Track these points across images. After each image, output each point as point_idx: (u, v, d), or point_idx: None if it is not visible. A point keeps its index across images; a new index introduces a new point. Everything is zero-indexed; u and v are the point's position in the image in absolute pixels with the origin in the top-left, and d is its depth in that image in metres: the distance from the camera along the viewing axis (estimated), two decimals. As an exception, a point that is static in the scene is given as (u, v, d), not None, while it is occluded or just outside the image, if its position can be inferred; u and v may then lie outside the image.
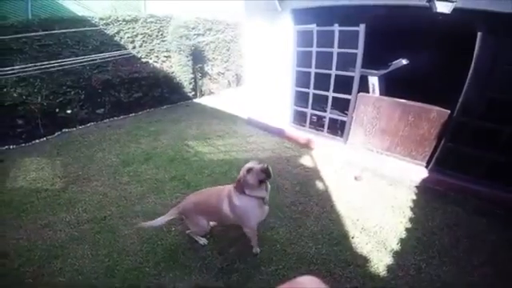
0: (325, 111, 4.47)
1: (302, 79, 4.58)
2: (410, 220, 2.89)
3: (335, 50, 3.91)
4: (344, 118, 4.31)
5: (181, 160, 4.28)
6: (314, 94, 4.48)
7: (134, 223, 2.86)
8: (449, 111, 3.30)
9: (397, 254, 2.47)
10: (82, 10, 7.68)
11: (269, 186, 2.23)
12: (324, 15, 3.87)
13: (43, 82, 5.11)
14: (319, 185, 3.58)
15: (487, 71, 2.90)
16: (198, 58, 7.71)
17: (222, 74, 8.83)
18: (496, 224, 2.80)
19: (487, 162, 3.14)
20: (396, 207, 3.10)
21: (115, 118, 6.28)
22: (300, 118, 4.96)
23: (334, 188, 3.48)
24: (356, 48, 3.70)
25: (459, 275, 2.26)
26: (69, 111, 5.59)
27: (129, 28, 6.38)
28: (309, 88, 4.48)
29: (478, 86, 3.00)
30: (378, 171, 3.77)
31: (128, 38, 6.42)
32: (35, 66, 4.76)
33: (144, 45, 6.72)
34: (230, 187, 2.27)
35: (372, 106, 3.93)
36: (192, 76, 7.63)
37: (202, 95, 8.22)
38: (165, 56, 7.19)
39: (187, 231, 2.60)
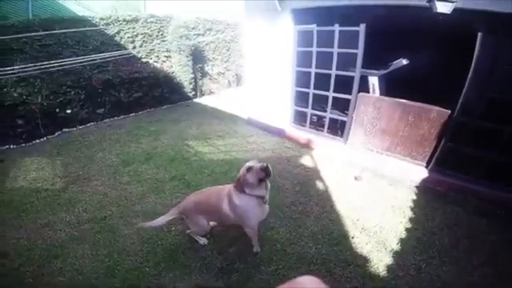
0: (325, 111, 4.46)
1: (302, 79, 4.58)
2: (410, 220, 2.89)
3: (335, 50, 3.91)
4: (344, 118, 4.31)
5: (181, 160, 4.28)
6: (314, 94, 4.48)
7: (134, 223, 2.86)
8: (449, 111, 3.30)
9: (397, 254, 2.47)
10: (83, 10, 7.69)
11: (269, 184, 2.22)
12: (324, 15, 3.87)
13: (43, 82, 5.12)
14: (319, 185, 3.58)
15: (487, 71, 2.90)
16: (198, 57, 7.72)
17: (222, 73, 8.83)
18: (496, 224, 2.80)
19: (487, 162, 3.14)
20: (396, 207, 3.10)
21: (115, 118, 6.29)
22: (300, 118, 4.96)
23: (334, 188, 3.48)
24: (356, 48, 3.70)
25: (459, 275, 2.26)
26: (69, 111, 5.60)
27: (129, 28, 6.39)
28: (309, 88, 4.48)
29: (478, 86, 3.00)
30: (378, 171, 3.77)
31: (128, 37, 6.42)
32: (35, 65, 4.76)
33: (144, 45, 6.72)
34: (230, 187, 2.27)
35: (372, 106, 3.93)
36: (192, 76, 7.63)
37: (203, 95, 8.22)
38: (165, 56, 7.19)
39: (187, 231, 2.61)
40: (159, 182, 3.67)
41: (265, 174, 2.04)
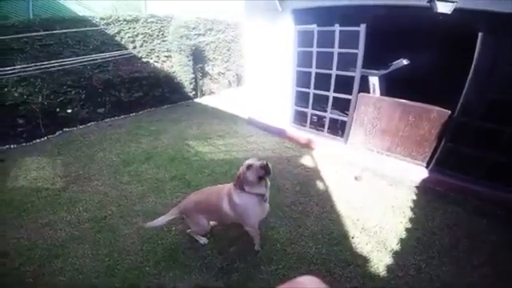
0: (325, 111, 4.46)
1: (303, 79, 4.58)
2: (410, 220, 2.89)
3: (336, 50, 3.91)
4: (344, 118, 4.31)
5: (181, 159, 4.28)
6: (315, 94, 4.48)
7: (135, 223, 2.87)
8: (449, 111, 3.29)
9: (397, 254, 2.47)
10: (83, 10, 7.69)
11: (268, 182, 2.22)
12: (325, 15, 3.87)
13: (44, 82, 5.13)
14: (319, 185, 3.58)
15: (488, 71, 2.90)
16: (198, 57, 7.72)
17: (223, 73, 8.84)
18: (496, 224, 2.80)
19: (487, 163, 3.14)
20: (396, 207, 3.10)
21: (116, 118, 6.30)
22: (300, 118, 4.96)
23: (334, 188, 3.48)
24: (356, 48, 3.70)
25: (459, 275, 2.26)
26: (69, 111, 5.61)
27: (129, 28, 6.40)
28: (309, 88, 4.48)
29: (478, 87, 2.99)
30: (379, 171, 3.77)
31: (129, 37, 6.43)
32: (36, 65, 4.77)
33: (145, 45, 6.73)
34: (230, 186, 2.27)
35: (372, 106, 3.93)
36: (192, 76, 7.64)
37: (203, 95, 8.23)
38: (165, 56, 7.20)
39: (187, 230, 2.61)
40: (159, 181, 3.68)
41: (264, 171, 2.04)
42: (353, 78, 3.90)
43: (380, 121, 3.92)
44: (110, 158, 4.37)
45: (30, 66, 4.71)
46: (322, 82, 4.27)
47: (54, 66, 4.96)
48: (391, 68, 4.17)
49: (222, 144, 4.88)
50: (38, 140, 5.11)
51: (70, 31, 5.39)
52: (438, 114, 3.41)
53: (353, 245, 2.60)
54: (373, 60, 4.04)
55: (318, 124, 4.82)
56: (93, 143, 4.93)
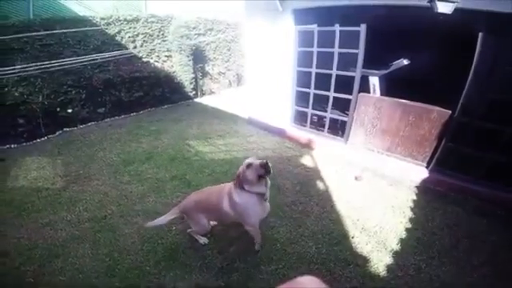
0: (325, 111, 4.46)
1: (303, 79, 4.58)
2: (410, 220, 2.89)
3: (336, 50, 3.91)
4: (345, 118, 4.31)
5: (182, 159, 4.28)
6: (315, 94, 4.48)
7: (135, 222, 2.87)
8: (449, 111, 3.29)
9: (397, 254, 2.47)
10: (84, 10, 7.69)
11: (268, 182, 2.21)
12: (325, 15, 3.87)
13: (44, 82, 5.13)
14: (320, 185, 3.58)
15: (488, 72, 2.90)
16: (198, 57, 7.72)
17: (223, 73, 8.83)
18: (496, 224, 2.80)
19: (488, 163, 3.14)
20: (396, 207, 3.10)
21: (116, 118, 6.30)
22: (301, 118, 4.97)
23: (334, 188, 3.48)
24: (357, 48, 3.70)
25: (459, 275, 2.26)
26: (70, 110, 5.61)
27: (130, 28, 6.40)
28: (310, 88, 4.48)
29: (478, 87, 2.99)
30: (379, 171, 3.77)
31: (129, 37, 6.43)
32: (36, 65, 4.78)
33: (145, 44, 6.73)
34: (230, 185, 2.26)
35: (373, 106, 3.93)
36: (193, 76, 7.64)
37: (203, 95, 8.23)
38: (166, 56, 7.20)
39: (188, 230, 2.61)
40: (160, 181, 3.68)
41: (264, 170, 2.04)
42: (353, 77, 3.90)
43: (380, 121, 3.92)
44: (111, 157, 4.37)
45: (31, 66, 4.72)
46: (323, 81, 4.27)
47: (54, 66, 4.97)
48: (391, 68, 4.17)
49: (222, 144, 4.89)
50: (38, 140, 5.12)
51: (71, 31, 5.40)
52: (438, 114, 3.41)
53: (353, 245, 2.60)
54: (373, 60, 4.04)
55: (318, 124, 4.82)
56: (93, 143, 4.94)
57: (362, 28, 3.58)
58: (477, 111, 3.06)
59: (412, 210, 3.05)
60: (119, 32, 6.24)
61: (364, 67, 3.84)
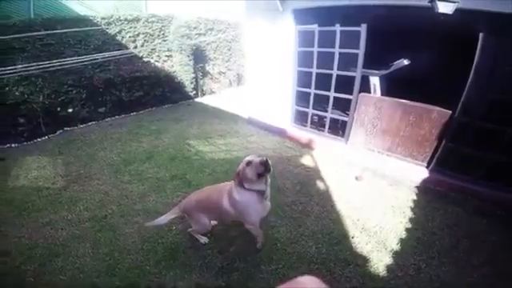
0: (326, 111, 4.46)
1: (304, 79, 4.58)
2: (411, 220, 2.89)
3: (336, 50, 3.91)
4: (345, 118, 4.31)
5: (182, 159, 4.29)
6: (316, 94, 4.48)
7: (135, 222, 2.88)
8: (450, 112, 3.29)
9: (397, 254, 2.47)
10: (85, 10, 7.70)
11: (269, 180, 2.21)
12: (325, 15, 3.87)
13: (45, 81, 5.14)
14: (320, 184, 3.58)
15: (488, 72, 2.90)
16: (199, 57, 7.72)
17: (224, 73, 8.84)
18: (496, 224, 2.80)
19: (488, 163, 3.14)
20: (396, 207, 3.10)
21: (116, 117, 6.31)
22: (301, 118, 4.96)
23: (334, 188, 3.48)
24: (357, 48, 3.70)
25: (459, 275, 2.26)
26: (70, 110, 5.62)
27: (130, 27, 6.40)
28: (310, 88, 4.48)
29: (479, 87, 2.99)
30: (379, 171, 3.77)
31: (130, 37, 6.44)
32: (37, 65, 4.79)
33: (145, 44, 6.74)
34: (231, 184, 2.27)
35: (373, 106, 3.93)
36: (193, 75, 7.64)
37: (204, 95, 8.24)
38: (166, 55, 7.20)
39: (188, 230, 2.61)
40: (160, 181, 3.68)
41: (264, 168, 2.03)
42: (353, 78, 3.90)
43: (381, 121, 3.92)
44: (111, 157, 4.37)
45: (32, 66, 4.73)
46: (323, 81, 4.27)
47: (55, 66, 4.97)
48: (392, 68, 4.16)
49: (222, 143, 4.89)
50: (38, 139, 5.12)
51: (71, 31, 5.41)
52: (438, 114, 3.41)
53: (353, 244, 2.60)
54: (373, 60, 4.04)
55: (318, 124, 4.82)
56: (93, 142, 4.94)
57: (363, 28, 3.58)
58: (477, 111, 3.06)
59: (412, 210, 3.05)
60: (120, 32, 6.25)
61: (364, 67, 3.84)
